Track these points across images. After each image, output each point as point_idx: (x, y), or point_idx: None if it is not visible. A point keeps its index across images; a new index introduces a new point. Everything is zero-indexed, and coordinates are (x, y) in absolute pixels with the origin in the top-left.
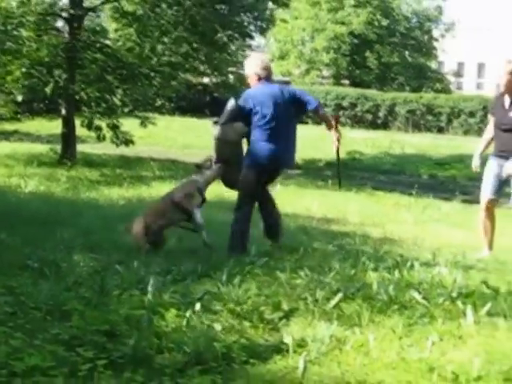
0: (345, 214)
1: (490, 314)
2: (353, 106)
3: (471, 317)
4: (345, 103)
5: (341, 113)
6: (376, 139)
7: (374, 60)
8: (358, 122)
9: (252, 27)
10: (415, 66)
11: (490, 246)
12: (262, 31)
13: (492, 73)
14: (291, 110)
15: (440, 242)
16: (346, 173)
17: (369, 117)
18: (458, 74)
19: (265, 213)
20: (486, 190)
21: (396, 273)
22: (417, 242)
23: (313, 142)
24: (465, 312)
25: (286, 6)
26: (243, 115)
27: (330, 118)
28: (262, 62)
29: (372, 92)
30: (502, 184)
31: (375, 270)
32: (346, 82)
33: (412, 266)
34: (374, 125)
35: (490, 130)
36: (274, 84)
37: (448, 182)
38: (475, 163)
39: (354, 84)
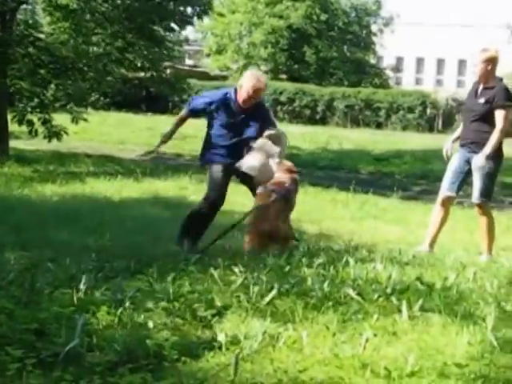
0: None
1: (424, 309)
2: (291, 100)
3: (405, 313)
4: (282, 98)
5: (279, 107)
6: (314, 134)
7: (313, 55)
8: (295, 117)
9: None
10: (354, 60)
11: (432, 243)
12: (200, 17)
13: (431, 68)
14: None
15: (377, 238)
16: None
17: (307, 112)
18: (397, 68)
19: None
20: (443, 186)
21: (331, 269)
22: (353, 238)
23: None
24: (399, 308)
25: None
26: None
27: None
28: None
29: (310, 87)
30: (463, 179)
31: (310, 266)
32: (284, 76)
33: (347, 263)
34: (312, 120)
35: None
36: None
37: (386, 177)
38: (445, 149)
39: (292, 79)
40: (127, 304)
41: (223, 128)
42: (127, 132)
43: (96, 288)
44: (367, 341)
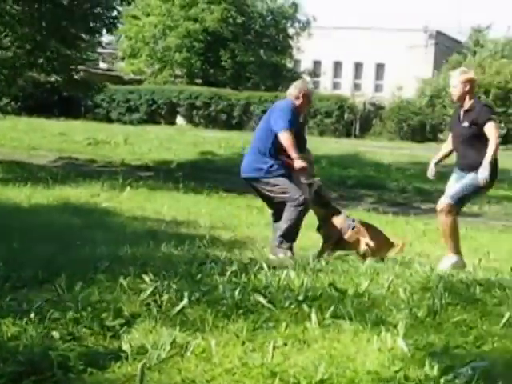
0: (196, 216)
1: (336, 316)
2: (206, 105)
3: (316, 320)
4: (198, 103)
5: (195, 112)
6: (230, 139)
7: (229, 59)
8: (211, 121)
9: (99, 23)
10: (270, 64)
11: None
12: (109, 28)
13: (348, 72)
14: (267, 127)
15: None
16: (199, 174)
17: (223, 117)
18: (314, 73)
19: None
20: (445, 195)
21: (243, 277)
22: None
23: (164, 142)
24: (310, 315)
25: (129, 4)
26: None
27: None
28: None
29: (226, 91)
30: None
31: (222, 274)
32: (200, 81)
33: (260, 270)
34: (228, 125)
35: (448, 143)
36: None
37: None
38: (430, 172)
39: (208, 83)
40: (33, 315)
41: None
42: (39, 137)
43: (1, 298)
44: (277, 349)
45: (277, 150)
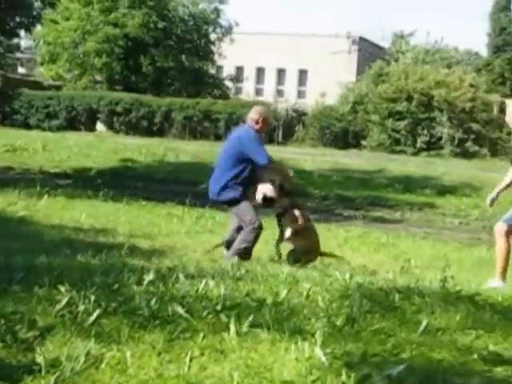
0: (115, 225)
1: (253, 326)
2: (127, 111)
3: (234, 330)
4: (119, 109)
5: (115, 118)
6: (151, 146)
7: (150, 65)
8: (132, 128)
9: (16, 24)
10: (192, 70)
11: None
12: (28, 29)
13: (271, 78)
14: (231, 153)
15: (213, 253)
16: (119, 182)
17: (144, 123)
18: (237, 78)
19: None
20: (503, 218)
21: (160, 286)
22: (187, 253)
23: (84, 149)
24: (228, 325)
25: (52, 6)
26: None
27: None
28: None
29: (147, 97)
30: None
31: (139, 283)
32: (120, 87)
33: (177, 279)
34: (149, 131)
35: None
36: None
37: None
38: (489, 201)
39: (129, 89)
40: None
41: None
42: None
43: None
44: (193, 359)
45: (246, 177)
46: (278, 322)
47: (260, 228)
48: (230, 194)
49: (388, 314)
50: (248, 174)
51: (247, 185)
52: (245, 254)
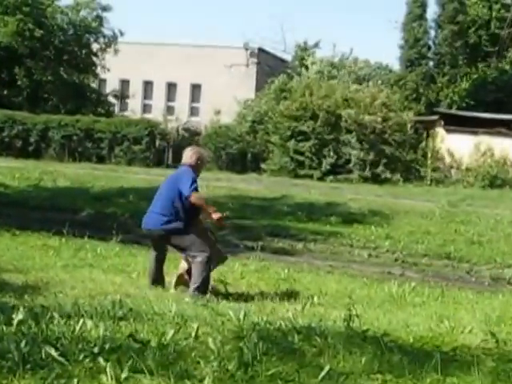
0: None
1: (135, 370)
2: None
3: (112, 375)
4: None
5: None
6: (25, 170)
7: (24, 77)
8: (5, 149)
9: None
10: (72, 84)
11: None
12: None
13: (160, 93)
14: (168, 186)
15: (92, 290)
16: None
17: (18, 143)
18: (122, 94)
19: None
20: None
21: (33, 326)
22: (64, 290)
23: None
24: (105, 370)
25: None
26: None
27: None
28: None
29: (22, 114)
30: None
31: (9, 323)
32: None
33: (52, 318)
34: (24, 152)
35: None
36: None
37: (107, 218)
38: None
39: (1, 105)
40: None
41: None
42: None
43: None
44: None
45: (187, 210)
46: (163, 366)
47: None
48: (172, 225)
49: (286, 357)
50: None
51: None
52: (205, 287)
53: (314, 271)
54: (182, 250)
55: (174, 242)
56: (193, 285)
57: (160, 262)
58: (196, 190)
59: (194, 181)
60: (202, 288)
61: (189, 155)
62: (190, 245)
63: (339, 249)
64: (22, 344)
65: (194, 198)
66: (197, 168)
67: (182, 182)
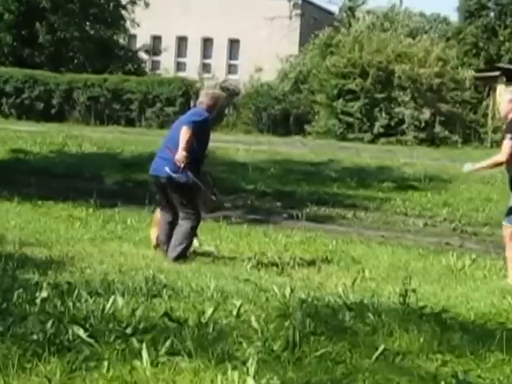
0: (2, 231)
1: (172, 352)
2: (18, 91)
3: (147, 358)
4: (8, 88)
5: (4, 100)
6: (47, 134)
7: (47, 34)
8: (25, 111)
9: None
10: (99, 41)
11: None
12: None
13: (195, 50)
14: (179, 128)
15: (123, 265)
16: (7, 178)
17: (39, 105)
18: (153, 50)
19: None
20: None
21: (58, 305)
22: (92, 265)
23: None
24: (140, 352)
25: None
26: None
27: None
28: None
29: (44, 74)
30: None
31: (32, 302)
32: (10, 61)
33: (79, 296)
34: (46, 116)
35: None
36: (194, 109)
37: (138, 187)
38: (467, 168)
39: (21, 64)
40: None
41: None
42: None
43: None
44: None
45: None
46: (202, 347)
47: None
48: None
49: (336, 337)
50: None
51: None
52: (186, 252)
53: (365, 242)
54: (180, 204)
55: (175, 192)
56: (174, 250)
57: (171, 224)
58: (196, 125)
59: (205, 119)
60: (183, 255)
61: (203, 94)
62: (188, 203)
63: (392, 218)
64: (48, 324)
65: (186, 128)
66: (212, 108)
67: (188, 114)
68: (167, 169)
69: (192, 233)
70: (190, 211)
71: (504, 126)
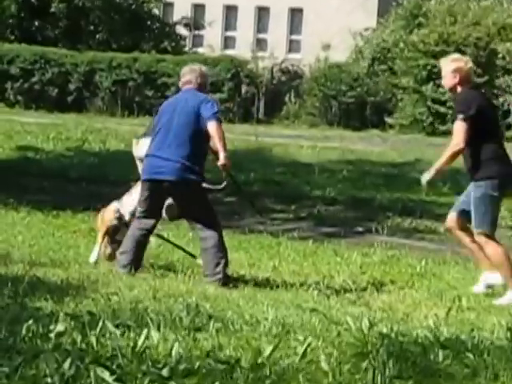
0: (7, 247)
1: None
2: (27, 74)
3: None
4: (13, 70)
5: (8, 84)
6: (63, 127)
7: (61, 2)
8: (35, 99)
9: None
10: (126, 11)
11: None
12: None
13: (247, 22)
14: (188, 120)
15: (158, 290)
16: (14, 181)
17: (53, 91)
18: (196, 23)
19: None
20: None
21: (78, 340)
22: (120, 290)
23: None
24: None
25: None
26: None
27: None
28: (185, 70)
29: (58, 52)
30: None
31: (46, 336)
32: (16, 36)
33: (104, 329)
34: (61, 104)
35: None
36: (185, 92)
37: None
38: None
39: (30, 40)
40: None
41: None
42: None
43: None
44: None
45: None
46: None
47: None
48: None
49: (427, 381)
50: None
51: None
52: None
53: (462, 263)
54: (202, 213)
55: (195, 202)
56: (215, 273)
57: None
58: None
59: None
60: (228, 275)
61: (188, 72)
62: (209, 207)
63: (496, 232)
64: (65, 365)
65: (217, 124)
66: (203, 88)
67: (202, 105)
68: (192, 176)
69: (223, 242)
70: (213, 217)
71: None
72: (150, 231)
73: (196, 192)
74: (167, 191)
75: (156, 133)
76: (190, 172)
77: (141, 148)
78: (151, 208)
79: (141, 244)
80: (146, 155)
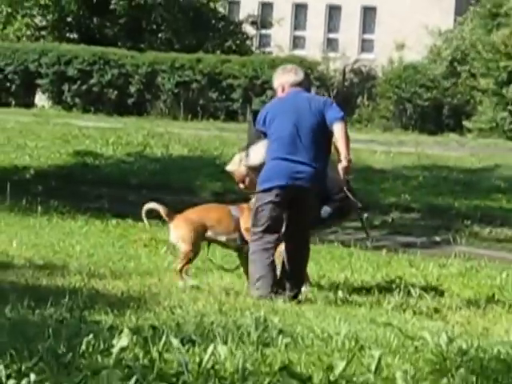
0: (65, 258)
1: None
2: (85, 75)
3: None
4: (71, 71)
5: (65, 86)
6: (123, 131)
7: (122, 0)
8: (94, 102)
9: None
10: (190, 9)
11: None
12: None
13: (318, 20)
14: (315, 122)
15: (224, 303)
16: (71, 189)
17: (112, 94)
18: (263, 22)
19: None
20: None
21: (141, 356)
22: (184, 302)
23: (16, 136)
24: None
25: None
26: (261, 131)
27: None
28: (284, 71)
29: (118, 52)
30: None
31: (107, 351)
32: (75, 36)
33: (168, 344)
34: (121, 107)
35: None
36: (300, 93)
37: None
38: None
39: (89, 40)
40: None
41: None
42: None
43: None
44: None
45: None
46: None
47: None
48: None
49: None
50: None
51: None
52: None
53: None
54: (298, 230)
55: (312, 210)
56: (297, 286)
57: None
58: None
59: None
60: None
61: (294, 71)
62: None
63: None
64: (130, 382)
65: (345, 126)
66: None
67: (327, 106)
68: (322, 182)
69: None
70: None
71: None
72: (275, 247)
73: (317, 198)
74: (299, 197)
75: (276, 137)
76: (320, 177)
77: (256, 155)
78: (277, 219)
79: (271, 266)
80: (273, 159)
